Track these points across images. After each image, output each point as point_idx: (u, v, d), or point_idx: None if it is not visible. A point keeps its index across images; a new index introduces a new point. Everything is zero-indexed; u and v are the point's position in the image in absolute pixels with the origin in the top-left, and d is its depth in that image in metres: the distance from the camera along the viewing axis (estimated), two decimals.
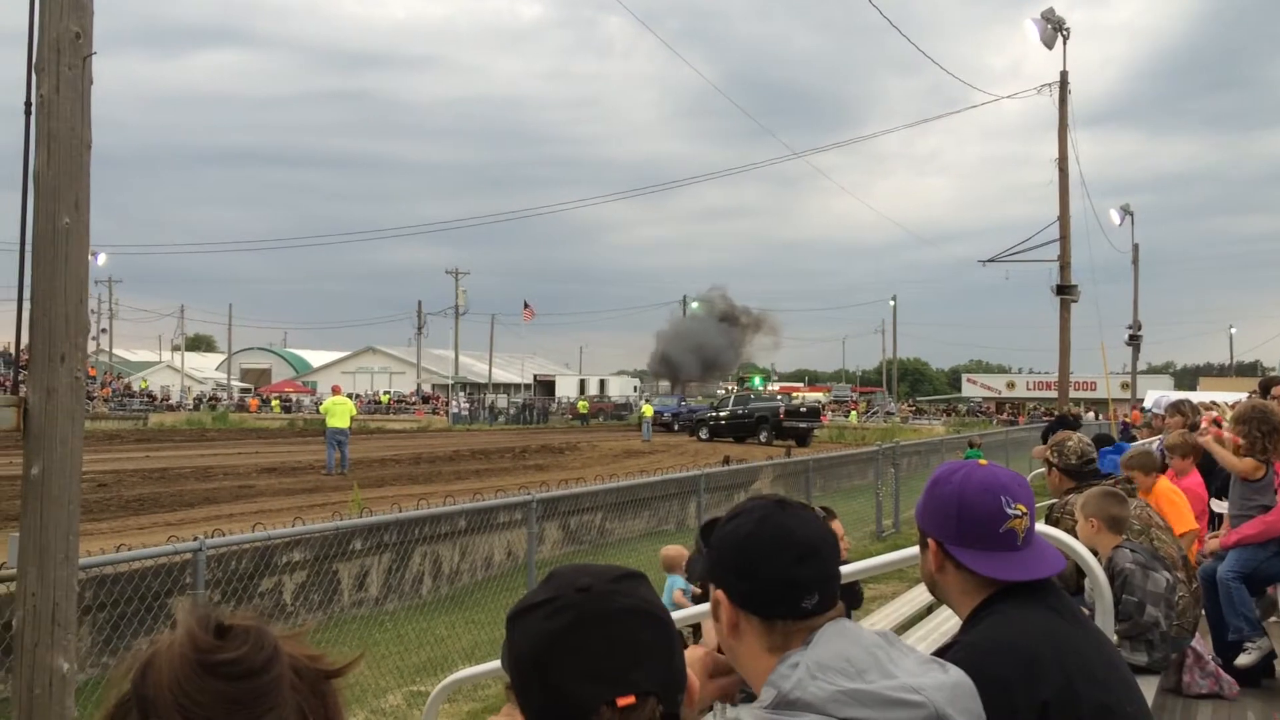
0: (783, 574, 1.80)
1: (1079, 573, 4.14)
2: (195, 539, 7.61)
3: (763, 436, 47.77)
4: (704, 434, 50.10)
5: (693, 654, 1.54)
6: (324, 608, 11.94)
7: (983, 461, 2.40)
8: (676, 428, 57.40)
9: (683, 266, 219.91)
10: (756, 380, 71.44)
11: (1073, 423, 11.94)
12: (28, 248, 5.39)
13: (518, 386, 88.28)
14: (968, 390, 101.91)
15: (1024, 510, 2.31)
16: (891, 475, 20.33)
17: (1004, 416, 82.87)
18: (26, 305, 5.33)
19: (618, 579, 1.41)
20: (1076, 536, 4.53)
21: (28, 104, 5.36)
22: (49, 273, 5.29)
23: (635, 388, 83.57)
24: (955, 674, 1.76)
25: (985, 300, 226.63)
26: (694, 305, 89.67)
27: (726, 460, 27.42)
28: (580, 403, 74.15)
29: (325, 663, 1.08)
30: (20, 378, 5.67)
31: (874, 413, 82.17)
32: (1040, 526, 2.57)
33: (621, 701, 1.31)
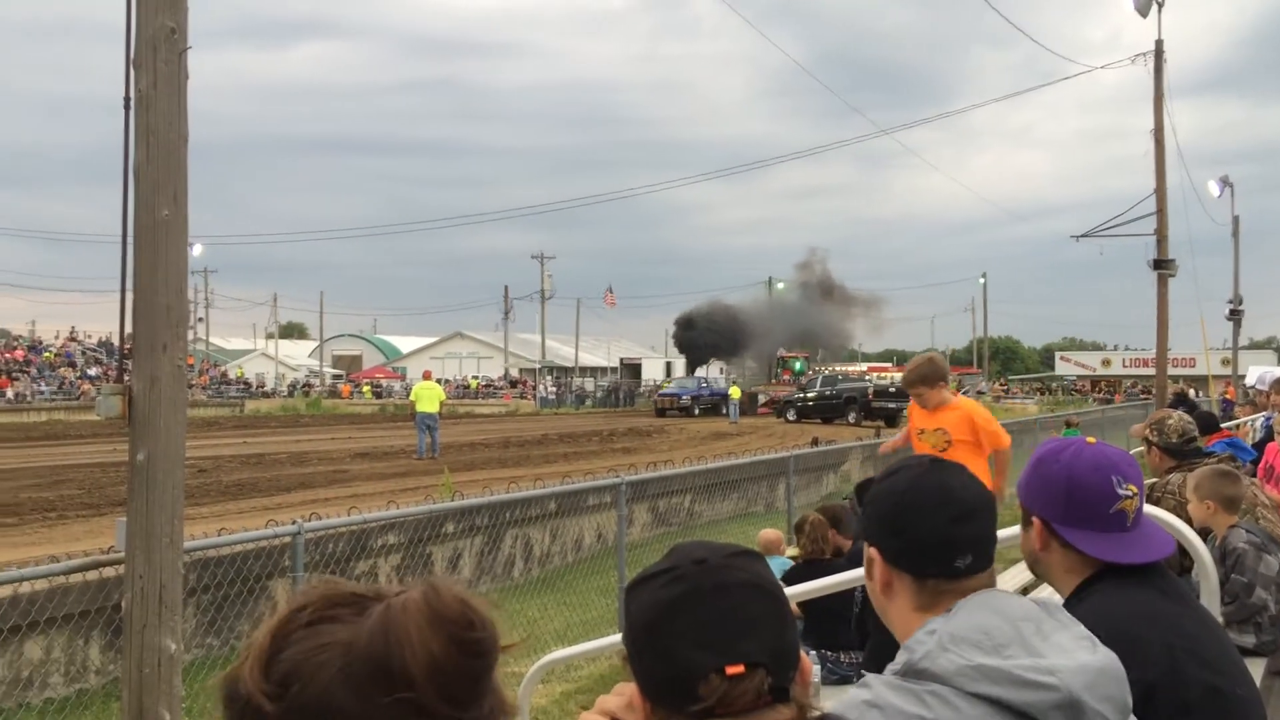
0: (938, 532, 1.81)
1: (1182, 554, 4.04)
2: (294, 523, 7.76)
3: (851, 417, 47.40)
4: (791, 415, 49.86)
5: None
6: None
7: (1091, 439, 2.34)
8: (697, 411, 55.34)
9: (769, 247, 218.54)
10: (798, 365, 67.18)
11: (1192, 402, 11.64)
12: (129, 240, 5.52)
13: (604, 370, 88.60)
14: (1061, 368, 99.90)
15: (1135, 491, 2.25)
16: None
17: (1099, 394, 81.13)
18: (129, 296, 5.46)
19: (734, 554, 1.44)
20: (1179, 517, 4.42)
21: (127, 99, 5.48)
22: (150, 264, 5.41)
23: (722, 369, 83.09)
24: (1103, 656, 1.71)
25: (1079, 276, 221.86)
26: (779, 285, 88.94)
27: (815, 441, 27.24)
28: (666, 384, 74.16)
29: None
30: (125, 367, 5.81)
31: (964, 392, 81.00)
32: (1146, 507, 2.50)
33: (730, 670, 1.32)
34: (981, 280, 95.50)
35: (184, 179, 5.50)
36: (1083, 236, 29.54)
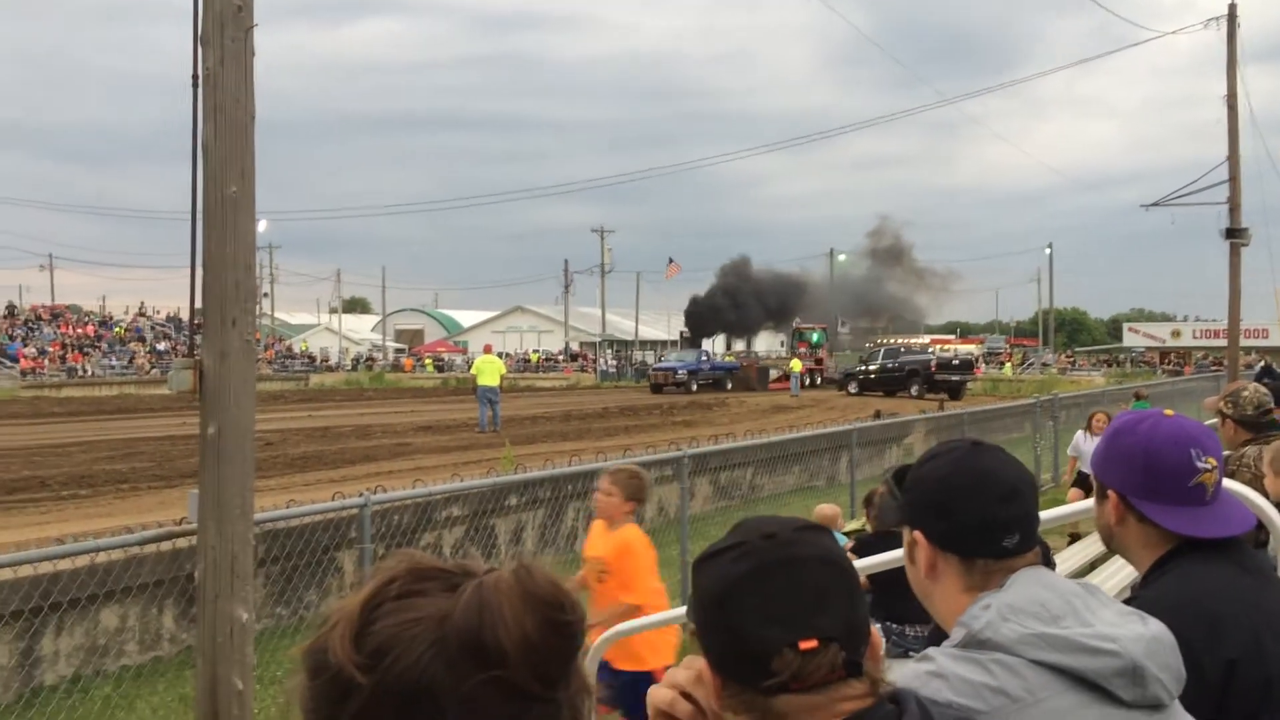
0: (984, 513, 1.80)
1: (1258, 529, 3.95)
2: (360, 495, 7.86)
3: (914, 390, 47.00)
4: (853, 388, 49.57)
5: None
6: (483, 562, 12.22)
7: (1169, 411, 2.30)
8: (695, 388, 51.37)
9: (832, 219, 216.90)
10: (815, 336, 62.03)
11: (1277, 373, 11.38)
12: (198, 217, 5.60)
13: (664, 343, 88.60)
14: (1129, 340, 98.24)
15: (1214, 464, 2.21)
16: (1050, 428, 19.78)
17: (1168, 366, 79.72)
18: (199, 272, 5.54)
19: (802, 528, 1.43)
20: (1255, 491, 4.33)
21: (195, 77, 5.54)
22: (219, 240, 5.48)
23: (782, 343, 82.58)
24: (1155, 626, 1.71)
25: (1148, 246, 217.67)
26: (840, 258, 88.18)
27: (877, 414, 27.06)
28: (727, 358, 74.02)
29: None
30: (195, 342, 5.90)
31: (1029, 364, 79.96)
32: (1224, 481, 2.45)
33: (804, 644, 1.32)
34: (1047, 251, 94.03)
35: (251, 156, 5.56)
36: (1153, 206, 29.00)
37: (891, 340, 66.42)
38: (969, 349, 79.62)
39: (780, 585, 1.35)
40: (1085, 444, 12.91)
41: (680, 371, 52.97)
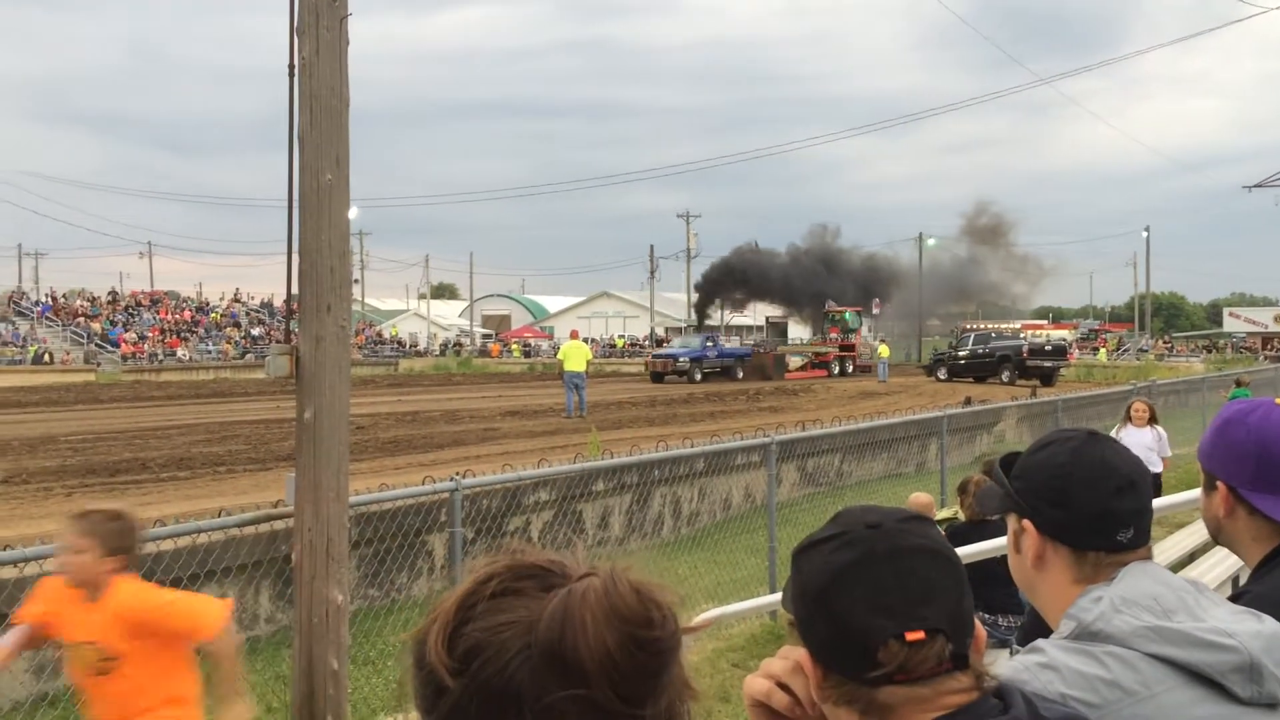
0: (1100, 505, 1.77)
1: None
2: (451, 479, 7.94)
3: (1005, 376, 46.17)
4: (942, 374, 48.86)
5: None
6: (569, 546, 12.30)
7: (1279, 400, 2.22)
8: (699, 376, 46.34)
9: (922, 202, 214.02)
10: (848, 316, 57.54)
11: None
12: (295, 204, 5.69)
13: (750, 329, 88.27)
14: (1229, 325, 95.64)
15: None
16: None
17: (1270, 352, 77.41)
18: (295, 259, 5.64)
19: (907, 519, 1.41)
20: None
21: (291, 66, 5.63)
22: (314, 227, 5.57)
23: (870, 329, 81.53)
24: (1272, 624, 1.67)
25: (1250, 229, 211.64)
26: (930, 242, 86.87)
27: (968, 401, 26.68)
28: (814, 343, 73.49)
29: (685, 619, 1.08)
30: (291, 328, 6.01)
31: (1125, 350, 78.20)
32: None
33: (910, 636, 1.30)
34: (1145, 233, 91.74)
35: (345, 144, 5.63)
36: (1256, 187, 28.16)
37: (981, 325, 64.96)
38: (1062, 334, 78.10)
39: (886, 576, 1.33)
40: (1127, 436, 12.53)
41: (682, 359, 47.53)
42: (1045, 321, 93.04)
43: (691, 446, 14.01)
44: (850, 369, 53.18)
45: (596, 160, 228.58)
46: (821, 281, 68.86)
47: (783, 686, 1.42)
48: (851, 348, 55.61)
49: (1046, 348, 49.67)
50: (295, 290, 5.67)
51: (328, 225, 5.58)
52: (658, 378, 46.13)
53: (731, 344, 55.58)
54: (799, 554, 1.42)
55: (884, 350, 53.24)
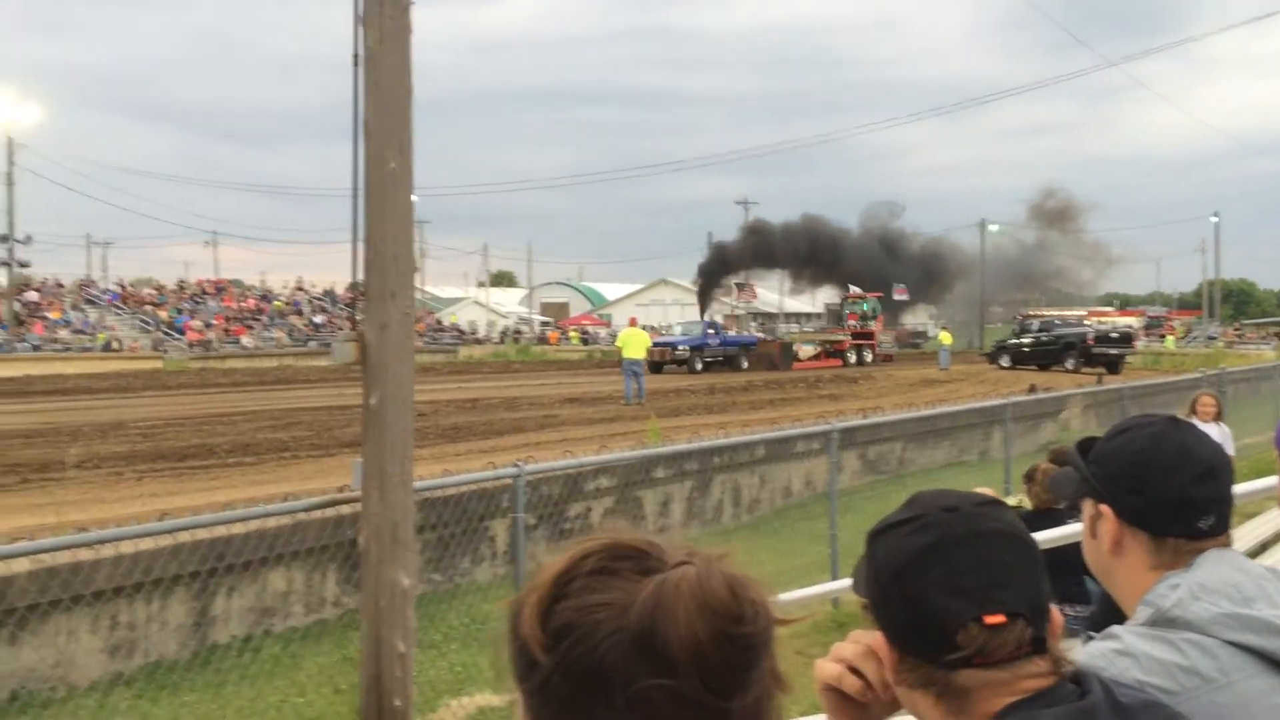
0: (1181, 491, 1.75)
1: None
2: (514, 465, 7.99)
3: (1069, 364, 45.52)
4: (1005, 361, 48.27)
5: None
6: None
7: None
8: (700, 366, 43.03)
9: (983, 189, 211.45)
10: (866, 306, 54.98)
11: None
12: (360, 193, 5.75)
13: (809, 315, 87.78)
14: None
15: None
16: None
17: None
18: (361, 246, 5.69)
19: (983, 503, 1.40)
20: None
21: (355, 55, 5.68)
22: (379, 215, 5.62)
23: (931, 315, 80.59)
24: None
25: None
26: (993, 228, 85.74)
27: (1032, 389, 26.35)
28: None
29: (778, 610, 1.07)
30: (355, 316, 6.07)
31: (1194, 337, 76.78)
32: None
33: (989, 619, 1.29)
34: (1214, 219, 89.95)
35: (409, 132, 5.68)
36: None
37: (1045, 312, 63.67)
38: (1128, 321, 76.81)
39: (964, 559, 1.33)
40: None
41: (680, 347, 44.03)
42: (1110, 308, 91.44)
43: (752, 434, 13.98)
44: (869, 358, 50.55)
45: (655, 147, 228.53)
46: (882, 266, 65.93)
47: (854, 670, 1.42)
48: (870, 335, 53.07)
49: (1112, 335, 48.83)
50: (361, 277, 5.72)
51: (392, 213, 5.63)
52: (655, 367, 40.99)
53: (747, 332, 54.38)
54: (874, 537, 1.42)
55: (946, 337, 52.71)
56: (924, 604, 1.32)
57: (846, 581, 5.53)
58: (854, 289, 57.24)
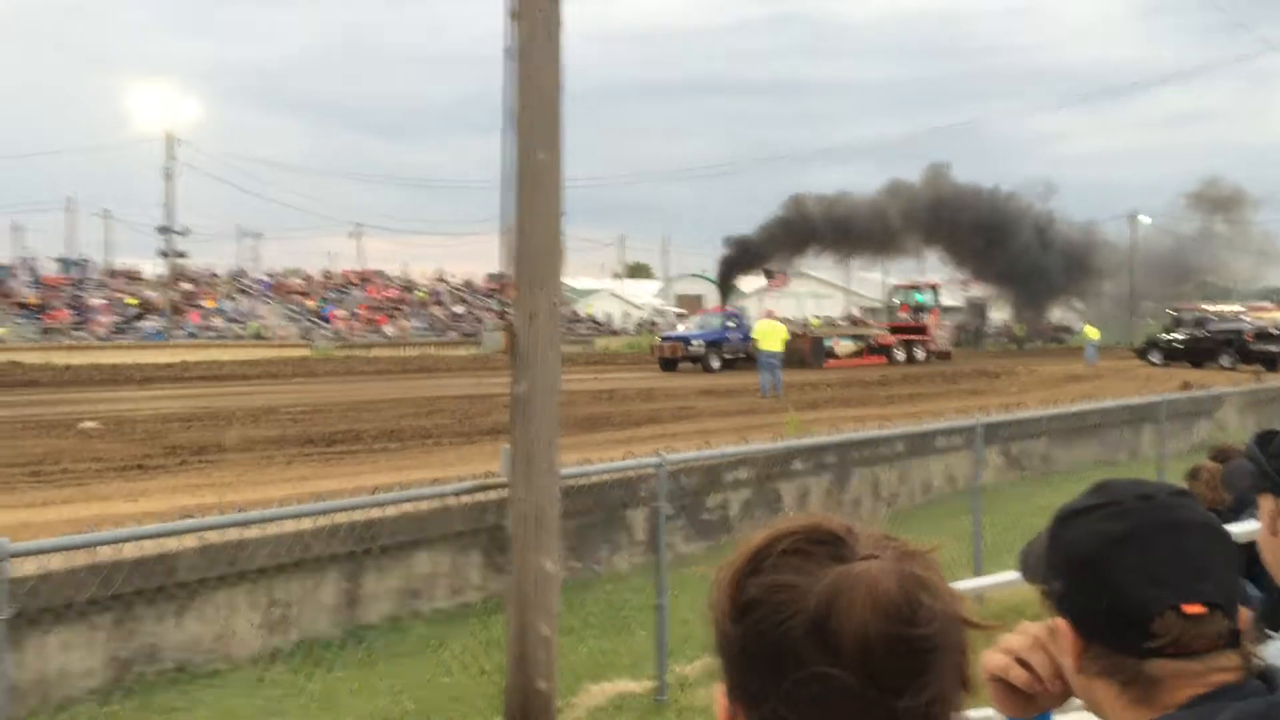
0: None
1: None
2: (656, 454, 8.04)
3: (1225, 361, 43.77)
4: (1155, 358, 46.65)
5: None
6: (768, 525, 12.32)
7: None
8: (718, 364, 37.75)
9: (1130, 179, 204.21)
10: (919, 298, 50.30)
11: None
12: (510, 184, 5.85)
13: (948, 309, 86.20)
14: None
15: None
16: None
17: None
18: (511, 237, 5.79)
19: (1176, 493, 1.38)
20: None
21: (507, 49, 5.78)
22: (529, 207, 5.72)
23: (1077, 307, 77.98)
24: None
25: None
26: (1144, 220, 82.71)
27: (1186, 386, 25.42)
28: (1016, 325, 71.24)
29: (970, 615, 1.07)
30: (501, 306, 6.18)
31: None
32: None
33: (1188, 609, 1.28)
34: None
35: (559, 124, 5.76)
36: None
37: (1200, 306, 60.76)
38: None
39: (1161, 547, 1.31)
40: None
41: (695, 343, 38.74)
42: (1269, 303, 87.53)
43: (891, 428, 13.80)
44: (921, 355, 45.29)
45: (789, 137, 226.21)
46: (1034, 254, 60.31)
47: (1021, 662, 1.40)
48: (923, 330, 47.79)
49: (1273, 331, 46.77)
50: (510, 268, 5.82)
51: (541, 204, 5.72)
52: (668, 365, 38.23)
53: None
54: (1060, 522, 1.41)
55: (1092, 332, 51.13)
56: (1120, 591, 1.30)
57: (992, 579, 5.42)
58: (903, 280, 52.71)
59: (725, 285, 61.97)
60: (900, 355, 44.35)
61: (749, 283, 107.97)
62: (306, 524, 7.66)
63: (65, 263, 58.24)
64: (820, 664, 0.97)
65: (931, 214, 58.84)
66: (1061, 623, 1.38)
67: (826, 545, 1.04)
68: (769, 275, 63.42)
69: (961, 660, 1.04)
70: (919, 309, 50.25)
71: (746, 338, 38.18)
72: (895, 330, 46.81)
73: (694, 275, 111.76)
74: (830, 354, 41.87)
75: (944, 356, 46.50)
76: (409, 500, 7.07)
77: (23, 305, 51.07)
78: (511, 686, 5.76)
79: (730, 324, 40.57)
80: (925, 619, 1.00)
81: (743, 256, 62.38)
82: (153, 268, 58.24)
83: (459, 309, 66.00)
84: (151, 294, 55.46)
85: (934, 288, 52.61)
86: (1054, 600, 1.39)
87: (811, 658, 0.98)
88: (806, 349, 40.68)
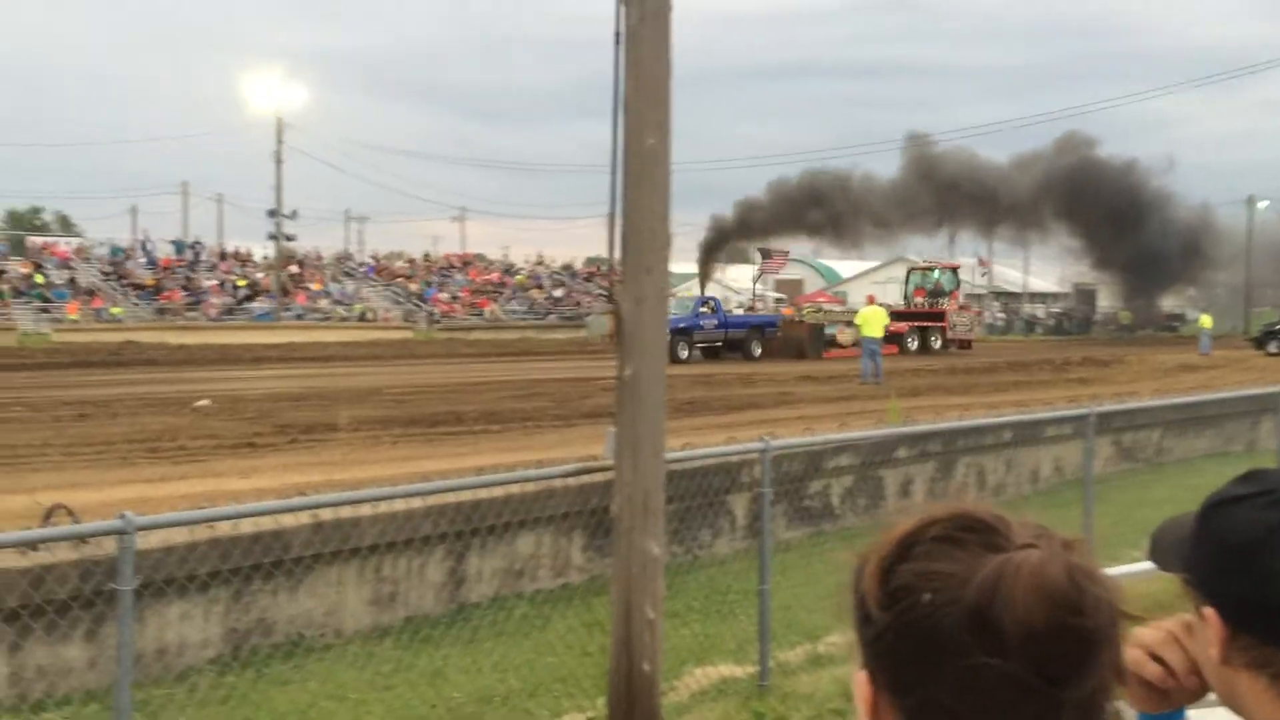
0: None
1: None
2: (760, 440, 8.01)
3: None
4: (1273, 348, 45.13)
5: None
6: (869, 512, 12.20)
7: None
8: (686, 354, 34.19)
9: (1248, 162, 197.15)
10: (938, 274, 47.08)
11: None
12: (618, 169, 5.86)
13: (1055, 296, 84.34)
14: None
15: None
16: None
17: None
18: (619, 222, 5.81)
19: None
20: None
21: (616, 34, 5.79)
22: (637, 191, 5.73)
23: (1190, 294, 75.70)
24: None
25: None
26: (1261, 205, 79.95)
27: None
28: (1122, 313, 69.46)
29: (1127, 605, 1.06)
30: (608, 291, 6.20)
31: None
32: None
33: None
34: None
35: (668, 109, 5.75)
36: None
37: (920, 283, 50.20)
38: None
39: None
40: None
41: (698, 324, 36.06)
42: None
43: (998, 416, 13.58)
44: (937, 344, 41.66)
45: (895, 120, 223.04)
46: (1153, 239, 55.71)
47: (1154, 657, 1.37)
48: (940, 316, 43.87)
49: None
50: (618, 252, 5.84)
51: (650, 189, 5.73)
52: None
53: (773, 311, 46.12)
54: (1212, 509, 1.36)
55: (1206, 321, 49.65)
56: (1276, 581, 1.26)
57: (1121, 569, 5.31)
58: (924, 260, 48.33)
59: (706, 268, 58.41)
60: (913, 344, 40.75)
61: (849, 268, 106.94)
62: (415, 503, 7.81)
63: (179, 245, 59.99)
64: (982, 654, 0.96)
65: (1069, 184, 54.14)
66: (1210, 611, 1.35)
67: (977, 533, 1.02)
68: (765, 255, 59.08)
69: (1118, 651, 1.03)
70: (937, 293, 46.42)
71: (726, 324, 37.40)
72: (905, 316, 42.04)
73: (792, 260, 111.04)
74: (831, 343, 39.12)
75: (965, 345, 42.57)
76: (515, 482, 7.16)
77: (139, 286, 52.78)
78: (615, 668, 5.80)
79: (704, 309, 37.82)
80: (1092, 609, 0.99)
81: (721, 238, 60.03)
82: (262, 250, 59.71)
83: (559, 293, 66.46)
84: (260, 276, 56.89)
85: (954, 269, 49.14)
86: (1201, 589, 1.36)
87: (972, 649, 0.97)
88: (805, 337, 38.46)
